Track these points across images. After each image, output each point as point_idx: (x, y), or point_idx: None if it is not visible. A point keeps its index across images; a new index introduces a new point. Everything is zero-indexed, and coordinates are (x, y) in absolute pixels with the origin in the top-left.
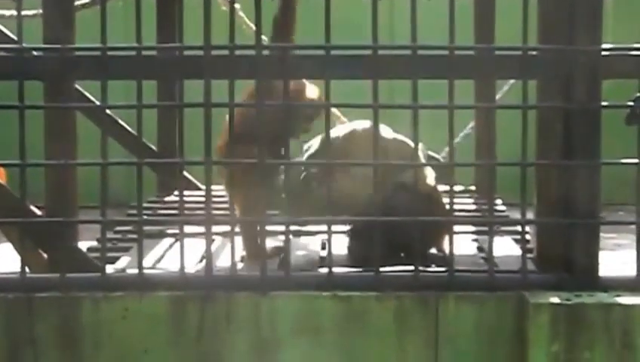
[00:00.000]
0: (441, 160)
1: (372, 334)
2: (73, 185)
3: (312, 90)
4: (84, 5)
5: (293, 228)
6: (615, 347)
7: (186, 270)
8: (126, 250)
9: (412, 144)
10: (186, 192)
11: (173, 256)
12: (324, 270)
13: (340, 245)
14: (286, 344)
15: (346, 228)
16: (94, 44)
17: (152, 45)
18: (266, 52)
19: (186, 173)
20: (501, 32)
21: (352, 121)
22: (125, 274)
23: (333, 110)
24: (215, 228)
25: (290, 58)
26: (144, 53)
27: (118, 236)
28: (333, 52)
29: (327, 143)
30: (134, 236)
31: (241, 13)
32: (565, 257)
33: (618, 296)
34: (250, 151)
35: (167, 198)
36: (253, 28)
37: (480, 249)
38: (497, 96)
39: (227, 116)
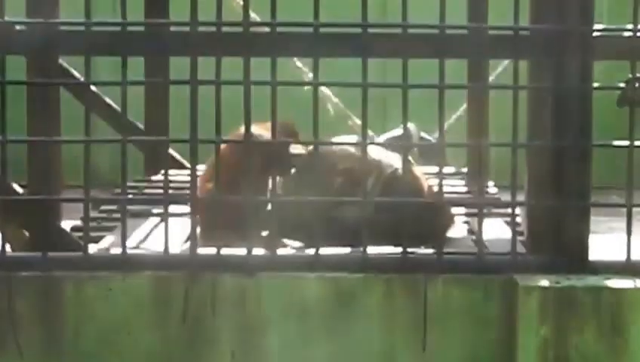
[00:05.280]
0: (433, 140)
1: (359, 316)
2: (57, 163)
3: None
4: None
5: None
6: (604, 330)
7: (171, 250)
8: (110, 229)
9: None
10: (172, 171)
11: (158, 235)
12: (311, 251)
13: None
14: (272, 325)
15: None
16: (79, 19)
17: (138, 21)
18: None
19: (172, 152)
20: (493, 11)
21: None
22: (109, 254)
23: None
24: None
25: (278, 36)
26: (130, 28)
27: (103, 215)
28: (322, 30)
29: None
30: (119, 215)
31: None
32: (555, 240)
33: (608, 279)
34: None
35: (153, 177)
36: (242, 4)
37: (470, 231)
38: (491, 78)
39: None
